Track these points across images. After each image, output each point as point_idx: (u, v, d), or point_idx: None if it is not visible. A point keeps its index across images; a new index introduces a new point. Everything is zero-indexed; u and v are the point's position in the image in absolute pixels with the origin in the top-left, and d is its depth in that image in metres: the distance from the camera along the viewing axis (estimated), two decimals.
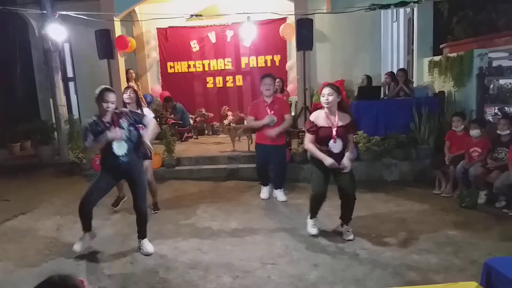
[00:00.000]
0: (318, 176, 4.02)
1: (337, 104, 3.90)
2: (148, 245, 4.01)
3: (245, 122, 9.04)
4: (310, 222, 4.24)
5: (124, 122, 3.76)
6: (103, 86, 3.80)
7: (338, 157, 3.90)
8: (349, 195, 4.01)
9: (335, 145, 3.88)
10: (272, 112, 5.18)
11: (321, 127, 3.90)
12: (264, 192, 5.60)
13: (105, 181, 3.92)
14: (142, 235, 4.05)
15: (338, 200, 4.19)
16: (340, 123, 3.89)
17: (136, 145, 3.88)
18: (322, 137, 3.92)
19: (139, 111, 4.60)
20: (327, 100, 3.85)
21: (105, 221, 4.87)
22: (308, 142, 3.99)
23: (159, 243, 4.15)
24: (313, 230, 4.19)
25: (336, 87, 3.94)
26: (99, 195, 3.93)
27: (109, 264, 3.76)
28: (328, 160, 3.82)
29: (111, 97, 3.69)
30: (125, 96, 4.90)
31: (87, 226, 3.96)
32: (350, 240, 4.02)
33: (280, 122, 5.18)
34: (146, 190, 4.07)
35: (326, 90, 3.87)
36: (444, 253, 3.68)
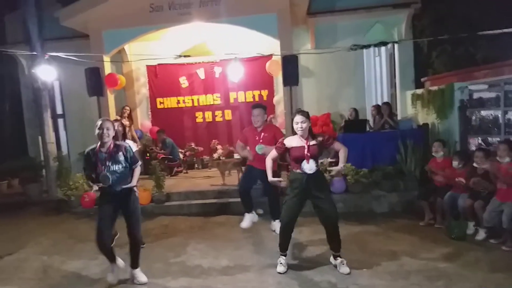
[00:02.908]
0: (288, 205, 4.10)
1: (308, 130, 4.06)
2: (141, 275, 4.09)
3: (235, 155, 9.13)
4: (280, 259, 4.21)
5: (121, 156, 3.96)
6: (102, 118, 4.12)
7: (313, 177, 4.01)
8: (332, 222, 4.07)
9: (308, 166, 3.97)
10: (261, 141, 5.31)
11: (292, 147, 4.04)
12: (246, 220, 5.56)
13: (107, 212, 3.99)
14: (135, 265, 4.11)
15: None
16: (312, 142, 4.02)
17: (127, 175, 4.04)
18: (296, 157, 4.04)
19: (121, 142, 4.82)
20: (301, 127, 4.01)
21: (91, 261, 4.79)
22: (269, 157, 4.17)
23: (148, 283, 4.09)
24: (280, 268, 4.15)
25: (307, 114, 4.10)
26: (109, 226, 4.03)
27: None
28: (269, 178, 4.09)
29: (107, 124, 3.93)
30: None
31: (111, 258, 4.09)
32: (348, 274, 4.00)
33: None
34: (140, 219, 4.15)
35: (299, 118, 4.02)
36: (435, 286, 3.69)
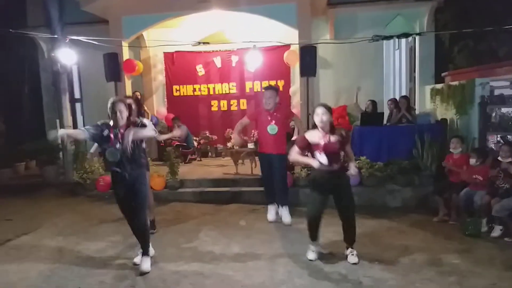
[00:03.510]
0: (313, 199, 4.10)
1: (329, 124, 3.97)
2: (144, 262, 4.03)
3: (248, 145, 9.12)
4: (311, 247, 4.25)
5: (130, 135, 3.85)
6: (113, 98, 3.97)
7: (334, 173, 3.95)
8: (349, 215, 4.09)
9: (321, 157, 3.91)
10: (274, 122, 5.29)
11: (313, 142, 3.97)
12: (271, 213, 5.57)
13: (121, 193, 3.98)
14: (144, 251, 4.10)
15: (341, 225, 4.19)
16: (332, 139, 3.94)
17: (137, 156, 3.98)
18: (313, 152, 4.00)
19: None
20: (321, 119, 3.93)
21: (106, 243, 4.87)
22: (293, 152, 4.05)
23: (160, 267, 4.15)
24: (311, 255, 4.19)
25: (329, 107, 4.02)
26: (130, 205, 4.01)
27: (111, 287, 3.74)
28: (315, 163, 3.89)
29: (120, 107, 3.84)
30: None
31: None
32: (354, 263, 4.01)
33: (281, 131, 5.31)
34: (146, 201, 4.13)
35: (320, 110, 3.94)
36: (448, 282, 3.65)
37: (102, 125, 3.88)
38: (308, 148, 4.02)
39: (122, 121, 3.86)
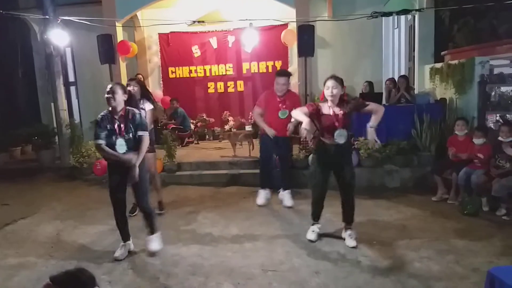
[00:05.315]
0: (317, 174, 4.05)
1: (340, 96, 3.89)
2: (153, 243, 4.02)
3: (246, 127, 9.07)
4: (312, 227, 4.23)
5: (131, 125, 3.78)
6: (113, 82, 3.92)
7: (341, 148, 3.88)
8: (350, 193, 4.05)
9: (341, 134, 3.81)
10: (284, 107, 5.17)
11: (323, 114, 3.89)
12: (261, 197, 5.49)
13: (115, 181, 3.89)
14: (150, 232, 4.06)
15: (340, 206, 4.18)
16: (340, 112, 3.85)
17: (136, 144, 3.85)
18: (327, 126, 3.89)
19: (142, 103, 4.74)
20: (332, 93, 3.83)
21: (103, 226, 4.85)
22: (298, 112, 3.87)
23: (159, 249, 4.14)
24: (312, 236, 4.17)
25: (340, 79, 3.92)
26: (123, 197, 3.94)
27: (110, 271, 3.73)
28: (305, 122, 3.73)
29: (115, 88, 3.75)
30: (129, 88, 4.85)
31: (124, 236, 4.06)
32: (353, 247, 3.98)
33: (289, 115, 5.10)
34: (148, 189, 4.06)
35: (331, 83, 3.84)
36: (446, 260, 3.66)
37: (102, 117, 3.75)
38: (315, 115, 3.89)
39: (115, 103, 3.72)
